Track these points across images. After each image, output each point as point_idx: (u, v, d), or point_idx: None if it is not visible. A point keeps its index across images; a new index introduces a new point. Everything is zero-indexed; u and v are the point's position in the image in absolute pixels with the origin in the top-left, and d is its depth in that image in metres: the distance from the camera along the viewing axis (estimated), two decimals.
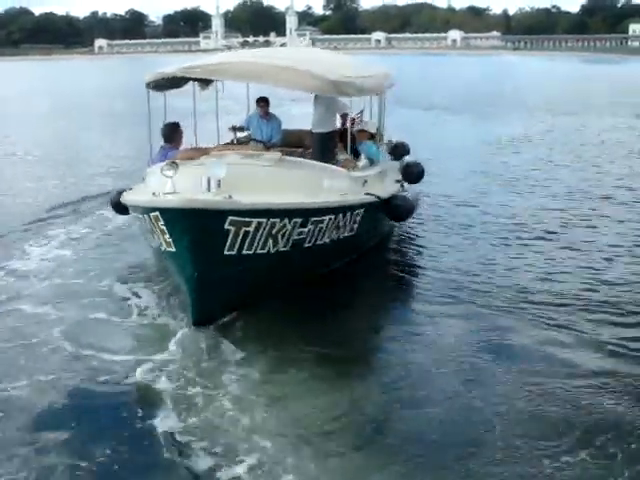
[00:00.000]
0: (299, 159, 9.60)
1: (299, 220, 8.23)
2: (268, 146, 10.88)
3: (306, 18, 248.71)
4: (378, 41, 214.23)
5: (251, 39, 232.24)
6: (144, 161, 10.39)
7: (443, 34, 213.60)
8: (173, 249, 7.57)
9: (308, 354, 7.59)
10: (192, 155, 9.01)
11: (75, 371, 7.36)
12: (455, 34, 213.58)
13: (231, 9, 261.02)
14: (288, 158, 9.24)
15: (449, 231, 12.69)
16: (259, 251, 7.98)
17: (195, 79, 10.61)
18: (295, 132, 12.23)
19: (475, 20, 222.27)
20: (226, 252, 7.65)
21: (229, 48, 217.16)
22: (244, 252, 7.82)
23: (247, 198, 7.54)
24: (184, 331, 8.07)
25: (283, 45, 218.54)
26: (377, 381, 7.36)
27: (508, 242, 11.92)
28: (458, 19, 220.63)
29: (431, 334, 8.36)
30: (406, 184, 11.69)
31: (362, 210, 9.40)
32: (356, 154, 10.97)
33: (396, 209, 10.21)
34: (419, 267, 10.94)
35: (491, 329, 8.35)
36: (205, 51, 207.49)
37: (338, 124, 11.42)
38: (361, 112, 12.90)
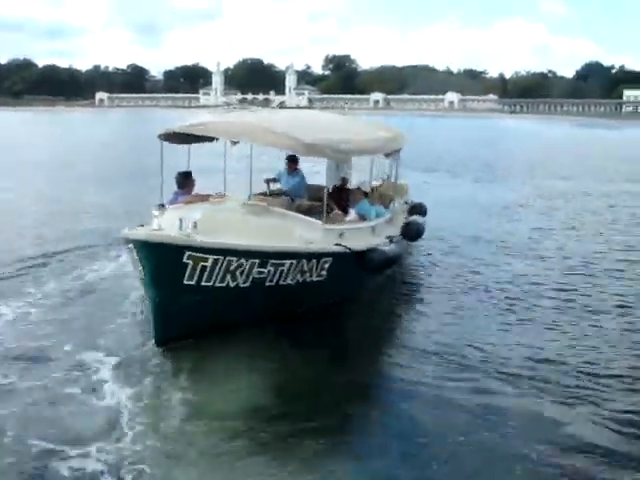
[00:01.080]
0: (279, 210, 10.46)
1: (257, 261, 9.11)
2: (293, 199, 12.44)
3: (305, 77, 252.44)
4: (377, 101, 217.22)
5: (250, 96, 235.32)
6: (133, 220, 10.57)
7: (441, 96, 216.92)
8: (143, 276, 8.64)
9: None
10: (193, 200, 10.15)
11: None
12: (452, 96, 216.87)
13: (231, 66, 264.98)
14: (271, 208, 10.22)
15: (443, 297, 12.35)
16: (218, 284, 8.90)
17: (196, 136, 11.59)
18: (316, 187, 13.33)
19: (472, 83, 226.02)
20: (185, 282, 8.60)
21: (228, 105, 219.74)
22: (203, 283, 8.74)
23: (219, 239, 8.69)
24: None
25: (282, 103, 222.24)
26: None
27: (501, 310, 11.52)
28: (455, 81, 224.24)
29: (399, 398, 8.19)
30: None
31: (330, 258, 10.09)
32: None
33: (369, 261, 10.61)
34: (392, 323, 11.09)
35: (483, 405, 8.04)
36: (205, 107, 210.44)
37: (354, 181, 13.13)
38: (388, 177, 15.10)
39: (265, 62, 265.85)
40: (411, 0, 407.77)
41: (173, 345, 8.94)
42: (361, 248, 10.65)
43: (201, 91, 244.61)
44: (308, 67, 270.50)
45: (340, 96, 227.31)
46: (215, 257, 8.70)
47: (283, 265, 9.50)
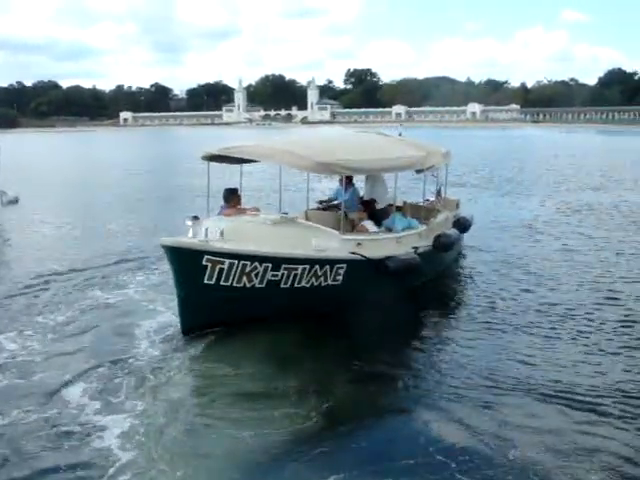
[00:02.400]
0: (302, 222, 11.95)
1: (269, 265, 10.41)
2: (347, 212, 13.19)
3: (327, 92, 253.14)
4: (399, 114, 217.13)
5: (272, 112, 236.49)
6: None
7: (462, 107, 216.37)
8: (173, 276, 10.32)
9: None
10: (232, 213, 11.64)
11: None
12: (474, 107, 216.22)
13: (253, 83, 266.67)
14: (296, 221, 11.63)
15: (470, 315, 12.20)
16: (235, 284, 10.28)
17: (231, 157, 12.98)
18: (366, 201, 14.88)
19: (494, 93, 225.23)
20: (206, 281, 10.06)
21: (251, 121, 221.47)
22: (222, 283, 10.16)
23: (241, 246, 10.23)
24: None
25: (304, 118, 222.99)
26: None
27: (531, 330, 11.20)
28: (477, 92, 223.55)
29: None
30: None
31: (344, 265, 11.23)
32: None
33: (386, 267, 11.60)
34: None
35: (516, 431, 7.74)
36: (227, 124, 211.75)
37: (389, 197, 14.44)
38: (438, 191, 16.30)
39: (286, 78, 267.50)
40: (426, 12, 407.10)
41: (197, 334, 10.32)
42: (378, 256, 11.62)
43: (224, 108, 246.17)
44: (330, 82, 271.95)
45: (362, 110, 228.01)
46: (230, 261, 10.11)
47: (296, 269, 10.72)
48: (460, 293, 13.90)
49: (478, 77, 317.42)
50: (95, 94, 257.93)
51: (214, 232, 10.34)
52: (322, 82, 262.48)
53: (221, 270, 10.12)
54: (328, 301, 11.19)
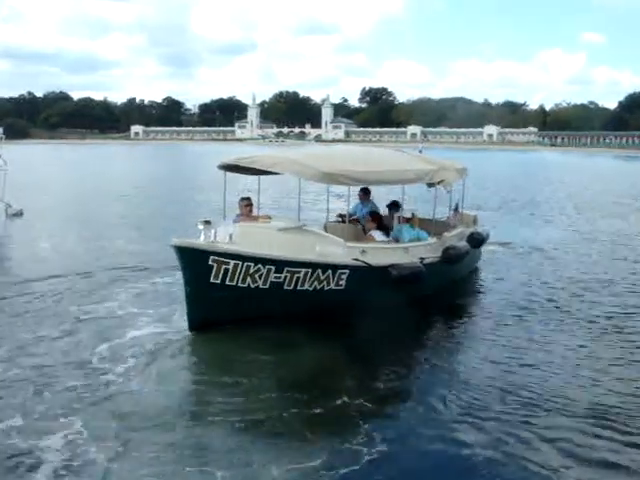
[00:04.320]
0: (309, 230, 12.48)
1: (272, 267, 11.15)
2: (364, 225, 14.71)
3: (342, 110, 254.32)
4: (414, 134, 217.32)
5: (286, 130, 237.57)
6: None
7: (479, 129, 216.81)
8: (182, 275, 10.98)
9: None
10: (245, 220, 12.52)
11: None
12: (491, 129, 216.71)
13: (267, 99, 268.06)
14: (304, 229, 12.31)
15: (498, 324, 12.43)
16: (240, 284, 10.99)
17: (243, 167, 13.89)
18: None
19: (511, 115, 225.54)
20: (212, 280, 10.77)
21: (264, 138, 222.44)
22: (227, 282, 10.87)
23: (248, 249, 10.97)
24: None
25: (318, 136, 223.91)
26: None
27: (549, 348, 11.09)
28: (494, 114, 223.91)
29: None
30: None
31: (347, 270, 11.90)
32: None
33: (389, 275, 12.17)
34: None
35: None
36: (240, 140, 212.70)
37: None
38: (456, 206, 16.88)
39: (301, 95, 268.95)
40: (442, 32, 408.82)
41: (203, 330, 10.97)
42: (382, 264, 12.25)
43: (237, 124, 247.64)
44: (344, 100, 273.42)
45: (377, 129, 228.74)
46: (235, 262, 10.83)
47: (299, 272, 11.43)
48: (467, 306, 14.19)
49: (495, 98, 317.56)
50: (106, 106, 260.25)
51: (223, 236, 11.13)
52: (337, 100, 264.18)
53: (226, 270, 10.83)
54: (331, 305, 11.75)
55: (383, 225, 14.34)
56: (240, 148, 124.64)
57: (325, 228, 15.11)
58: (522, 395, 8.99)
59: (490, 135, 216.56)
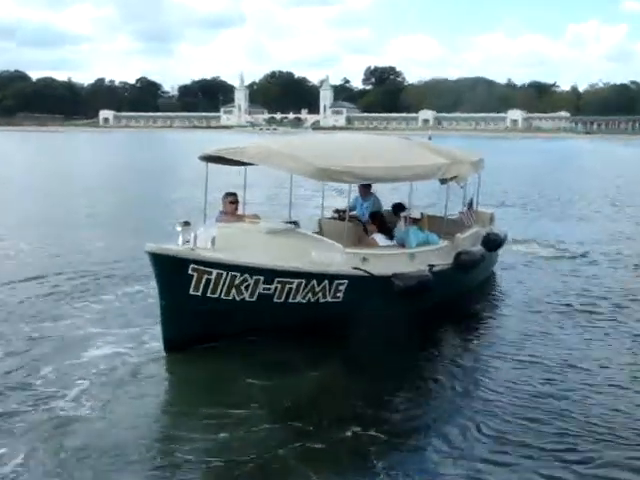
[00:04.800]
0: (303, 232, 12.62)
1: (261, 277, 10.99)
2: (364, 222, 14.66)
3: (343, 93, 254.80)
4: (426, 121, 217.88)
5: (279, 116, 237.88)
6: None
7: (501, 114, 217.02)
8: (157, 286, 10.77)
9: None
10: (228, 219, 12.50)
11: None
12: (516, 114, 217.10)
13: (257, 81, 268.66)
14: (296, 231, 12.41)
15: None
16: (224, 297, 10.84)
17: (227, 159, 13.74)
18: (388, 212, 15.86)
19: (539, 98, 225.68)
20: (191, 292, 10.58)
21: (253, 125, 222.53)
22: (209, 295, 10.71)
23: (233, 255, 10.78)
24: None
25: (315, 123, 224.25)
26: None
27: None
28: (519, 96, 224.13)
29: None
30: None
31: (346, 281, 11.83)
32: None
33: (393, 285, 12.09)
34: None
35: None
36: (226, 127, 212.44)
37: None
38: (471, 202, 16.59)
39: (296, 75, 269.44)
40: (460, 4, 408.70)
41: (181, 351, 10.81)
42: (385, 273, 12.16)
43: (222, 109, 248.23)
44: (346, 81, 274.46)
45: (384, 115, 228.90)
46: (218, 271, 10.66)
47: (291, 283, 11.31)
48: (483, 318, 14.11)
49: (521, 79, 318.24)
50: (70, 88, 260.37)
51: (205, 240, 10.87)
52: (337, 81, 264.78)
53: (208, 281, 10.66)
54: (327, 319, 11.65)
55: (386, 227, 14.29)
56: (227, 136, 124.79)
57: (320, 226, 15.28)
58: (556, 424, 8.80)
59: (514, 121, 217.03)
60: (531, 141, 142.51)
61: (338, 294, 11.91)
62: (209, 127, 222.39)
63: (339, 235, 12.81)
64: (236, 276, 10.82)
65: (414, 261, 13.15)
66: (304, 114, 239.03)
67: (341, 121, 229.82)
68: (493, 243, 15.84)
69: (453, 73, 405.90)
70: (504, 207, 32.21)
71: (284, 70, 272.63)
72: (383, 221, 14.46)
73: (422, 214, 14.59)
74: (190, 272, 10.49)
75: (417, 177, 13.99)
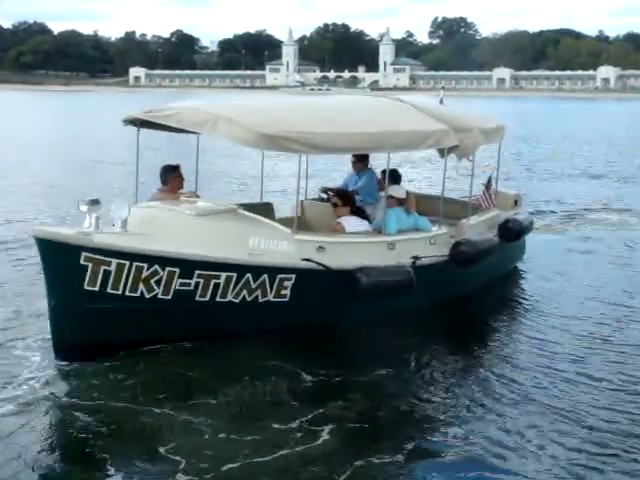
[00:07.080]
0: (243, 214, 11.45)
1: (177, 270, 10.22)
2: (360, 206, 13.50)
3: (406, 48, 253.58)
4: (501, 80, 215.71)
5: (332, 74, 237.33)
6: None
7: (591, 71, 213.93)
8: (44, 279, 10.03)
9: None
10: (163, 198, 11.84)
11: None
12: (608, 71, 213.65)
13: (307, 34, 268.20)
14: (239, 212, 11.42)
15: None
16: (129, 293, 10.10)
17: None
18: None
19: (635, 52, 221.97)
20: (86, 287, 9.84)
21: (303, 85, 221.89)
22: (109, 291, 9.99)
23: (149, 241, 10.01)
24: None
25: (374, 83, 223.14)
26: None
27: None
28: (612, 51, 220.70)
29: None
30: None
31: (292, 275, 11.06)
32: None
33: (356, 282, 11.27)
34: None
35: None
36: (273, 88, 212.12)
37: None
38: (489, 181, 15.14)
39: (352, 28, 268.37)
40: None
41: (77, 360, 9.99)
42: (346, 266, 11.29)
43: (268, 67, 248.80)
44: (409, 35, 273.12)
45: (453, 73, 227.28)
46: (119, 261, 9.90)
47: (218, 278, 10.54)
48: (477, 334, 12.79)
49: (614, 30, 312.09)
50: (97, 43, 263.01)
51: (116, 222, 10.21)
52: (399, 35, 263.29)
53: (107, 273, 9.95)
54: (269, 324, 11.18)
55: (358, 208, 13.15)
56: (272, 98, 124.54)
57: (302, 208, 13.77)
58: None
59: (605, 80, 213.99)
60: (626, 104, 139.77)
61: (283, 292, 11.18)
62: (253, 87, 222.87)
63: (323, 220, 12.32)
64: (143, 267, 10.08)
65: (393, 252, 12.30)
66: (361, 72, 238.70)
67: (403, 80, 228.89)
68: (511, 231, 14.61)
69: (534, 24, 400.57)
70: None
71: (339, 22, 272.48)
72: (353, 200, 13.34)
73: (408, 192, 13.77)
74: (83, 262, 9.77)
75: (396, 147, 12.98)
